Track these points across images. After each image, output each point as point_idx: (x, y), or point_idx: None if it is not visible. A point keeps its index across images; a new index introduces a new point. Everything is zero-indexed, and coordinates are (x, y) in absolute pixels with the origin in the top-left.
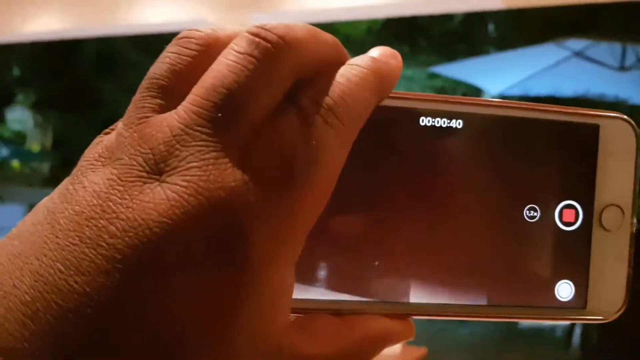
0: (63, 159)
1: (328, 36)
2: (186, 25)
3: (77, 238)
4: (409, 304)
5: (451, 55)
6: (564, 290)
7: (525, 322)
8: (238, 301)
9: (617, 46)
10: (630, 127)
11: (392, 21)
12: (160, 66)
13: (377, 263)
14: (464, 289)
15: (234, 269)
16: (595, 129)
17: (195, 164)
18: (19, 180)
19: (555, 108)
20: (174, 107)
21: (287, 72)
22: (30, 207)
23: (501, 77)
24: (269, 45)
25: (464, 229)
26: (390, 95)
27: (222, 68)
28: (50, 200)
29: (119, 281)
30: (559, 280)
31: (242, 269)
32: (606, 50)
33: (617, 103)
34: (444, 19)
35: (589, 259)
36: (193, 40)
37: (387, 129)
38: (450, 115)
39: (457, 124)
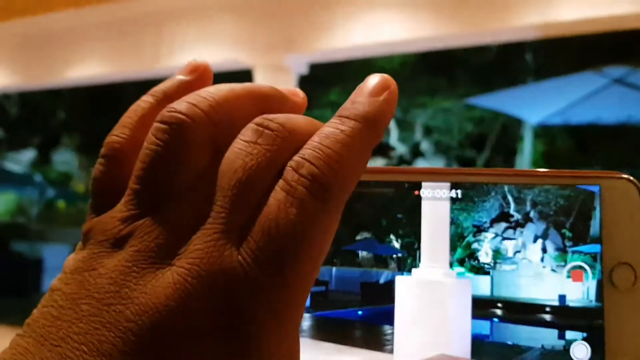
0: None
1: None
2: (224, 66)
3: (98, 323)
4: None
5: (489, 86)
6: (580, 351)
7: None
8: None
9: None
10: (632, 186)
11: (427, 53)
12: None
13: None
14: None
15: (238, 343)
16: (595, 190)
17: (199, 246)
18: (65, 220)
19: (556, 173)
20: None
21: (288, 155)
22: (74, 246)
23: (540, 106)
24: (271, 133)
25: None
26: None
27: (229, 155)
28: (67, 286)
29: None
30: (573, 341)
31: (246, 342)
32: None
33: None
34: (481, 50)
35: (603, 318)
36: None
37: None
38: (452, 186)
39: (457, 194)
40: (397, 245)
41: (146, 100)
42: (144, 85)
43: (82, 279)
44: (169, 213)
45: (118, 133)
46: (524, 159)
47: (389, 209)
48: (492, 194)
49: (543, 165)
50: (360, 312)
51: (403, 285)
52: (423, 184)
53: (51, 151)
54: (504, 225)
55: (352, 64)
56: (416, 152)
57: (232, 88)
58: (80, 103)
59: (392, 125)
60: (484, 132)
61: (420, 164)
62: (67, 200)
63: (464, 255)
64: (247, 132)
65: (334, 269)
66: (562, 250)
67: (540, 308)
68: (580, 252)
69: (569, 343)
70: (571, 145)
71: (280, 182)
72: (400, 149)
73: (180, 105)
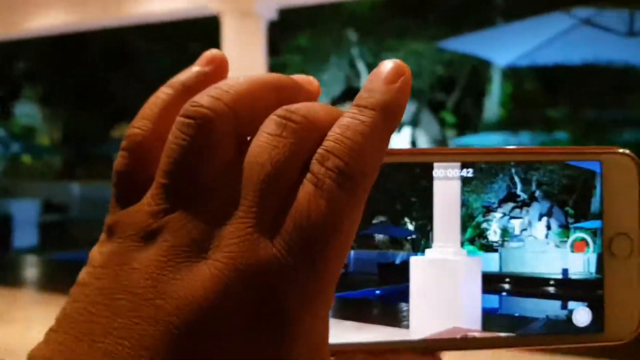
0: (75, 152)
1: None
2: (192, 13)
3: (138, 318)
4: (437, 340)
5: (458, 27)
6: (581, 317)
7: None
8: (284, 355)
9: (624, 12)
10: (631, 161)
11: None
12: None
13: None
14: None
15: (275, 331)
16: (598, 165)
17: (234, 240)
18: (31, 174)
19: (560, 149)
20: None
21: (310, 146)
22: (44, 201)
23: (509, 48)
24: (294, 125)
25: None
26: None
27: (255, 149)
28: (99, 281)
29: (177, 352)
30: (576, 306)
31: (282, 331)
32: (613, 16)
33: (625, 69)
34: None
35: (603, 285)
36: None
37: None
38: (463, 165)
39: (468, 172)
40: (411, 227)
41: (165, 92)
42: (108, 34)
43: (114, 274)
44: (200, 207)
45: (139, 125)
46: (493, 101)
47: (403, 193)
48: (500, 175)
49: (510, 106)
50: (377, 292)
51: (417, 265)
52: (435, 165)
53: (12, 104)
54: (511, 205)
55: (321, 9)
56: None
57: (251, 80)
58: (42, 54)
59: (362, 70)
60: (453, 74)
61: None
62: (33, 154)
63: (474, 235)
64: (271, 125)
65: (352, 252)
66: (564, 227)
67: (544, 281)
68: (582, 228)
69: (571, 312)
70: (538, 86)
71: (308, 175)
72: None
73: (203, 99)
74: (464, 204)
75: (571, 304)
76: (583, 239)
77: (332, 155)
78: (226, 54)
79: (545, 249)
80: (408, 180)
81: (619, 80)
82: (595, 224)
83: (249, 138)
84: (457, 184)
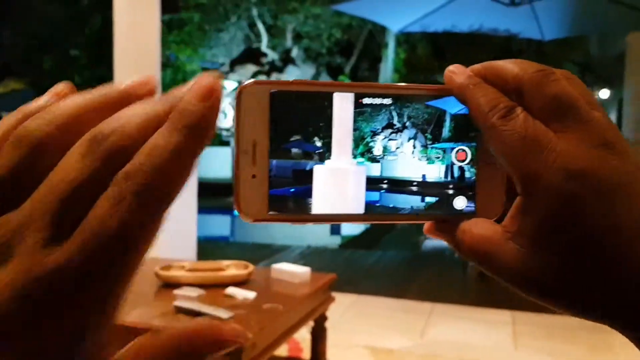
0: None
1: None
2: None
3: None
4: (360, 215)
5: None
6: (460, 201)
7: (429, 246)
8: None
9: None
10: None
11: None
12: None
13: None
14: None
15: (45, 339)
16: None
17: (23, 250)
18: None
19: (418, 87)
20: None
21: (115, 166)
22: None
23: (403, 14)
24: (100, 148)
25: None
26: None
27: (59, 168)
28: None
29: None
30: (456, 196)
31: (55, 337)
32: None
33: (509, 37)
34: None
35: (475, 182)
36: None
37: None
38: (357, 98)
39: (387, 100)
40: (319, 144)
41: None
42: None
43: None
44: (10, 215)
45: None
46: (388, 66)
47: (312, 118)
48: (383, 110)
49: (404, 71)
50: (292, 190)
51: (319, 171)
52: (334, 96)
53: None
54: (389, 130)
55: None
56: (287, 59)
57: (75, 103)
58: None
59: (262, 32)
60: (351, 39)
61: (291, 71)
62: None
63: (363, 150)
64: (78, 147)
65: (274, 161)
66: (425, 147)
67: (410, 183)
68: (436, 148)
69: (427, 205)
70: (429, 52)
71: (108, 190)
72: (271, 55)
73: (32, 123)
74: (358, 128)
75: (427, 199)
76: (463, 150)
77: (135, 174)
78: (119, 11)
79: (411, 161)
80: (316, 110)
81: (502, 48)
82: (445, 145)
83: None
84: (350, 114)
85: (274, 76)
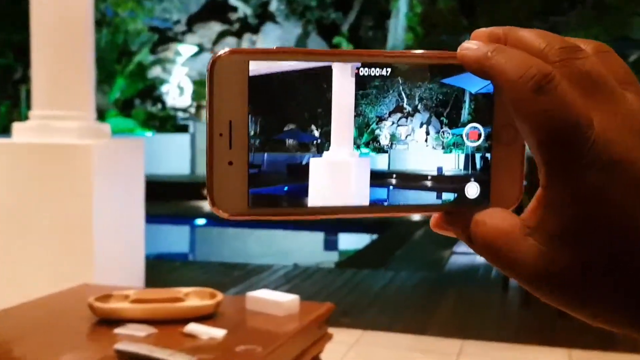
0: None
1: None
2: None
3: None
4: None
5: None
6: (472, 189)
7: (455, 264)
8: None
9: None
10: None
11: None
12: None
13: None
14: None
15: None
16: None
17: None
18: None
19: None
20: None
21: None
22: None
23: None
24: None
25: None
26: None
27: None
28: None
29: None
30: (468, 182)
31: None
32: None
33: None
34: None
35: (490, 166)
36: None
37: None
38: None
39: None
40: (316, 133)
41: None
42: None
43: None
44: None
45: None
46: (399, 24)
47: (310, 105)
48: (391, 91)
49: (420, 30)
50: (286, 188)
51: (316, 164)
52: (333, 68)
53: None
54: (399, 115)
55: None
56: (264, 15)
57: None
58: None
59: None
60: None
61: (270, 30)
62: None
63: (369, 139)
64: None
65: (265, 154)
66: (439, 133)
67: (423, 177)
68: (452, 134)
69: (445, 202)
70: (454, 5)
71: None
72: (243, 9)
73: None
74: (361, 114)
75: (444, 195)
76: (476, 128)
77: None
78: None
79: (425, 150)
80: (315, 94)
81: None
82: (461, 130)
83: None
84: (351, 99)
85: (247, 39)
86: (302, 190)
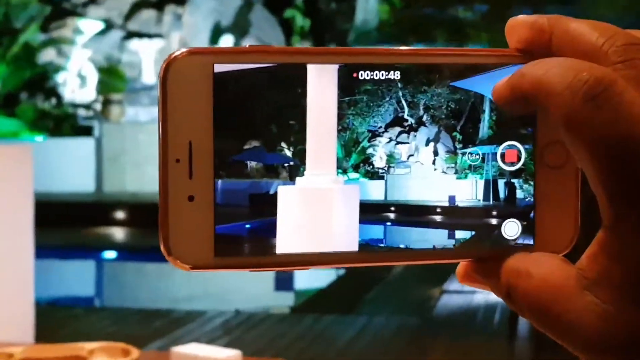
0: None
1: None
2: None
3: None
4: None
5: None
6: (511, 229)
7: (447, 306)
8: None
9: None
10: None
11: None
12: None
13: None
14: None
15: None
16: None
17: None
18: None
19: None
20: None
21: None
22: None
23: None
24: None
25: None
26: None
27: None
28: None
29: None
30: (505, 221)
31: None
32: None
33: None
34: None
35: (534, 199)
36: None
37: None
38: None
39: (395, 75)
40: (289, 153)
41: None
42: None
43: None
44: None
45: None
46: None
47: (279, 114)
48: (387, 98)
49: (397, 3)
50: (248, 226)
51: (285, 194)
52: (309, 70)
53: None
54: (398, 129)
55: None
56: None
57: None
58: None
59: None
60: None
61: (198, 1)
62: None
63: (359, 161)
64: None
65: (219, 181)
66: (452, 153)
67: (431, 209)
68: (470, 154)
69: (458, 242)
70: None
71: None
72: None
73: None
74: (349, 127)
75: (458, 234)
76: (514, 147)
77: None
78: None
79: (432, 175)
80: (285, 95)
81: None
82: (482, 149)
83: None
84: (334, 104)
85: (170, 12)
86: (272, 227)
